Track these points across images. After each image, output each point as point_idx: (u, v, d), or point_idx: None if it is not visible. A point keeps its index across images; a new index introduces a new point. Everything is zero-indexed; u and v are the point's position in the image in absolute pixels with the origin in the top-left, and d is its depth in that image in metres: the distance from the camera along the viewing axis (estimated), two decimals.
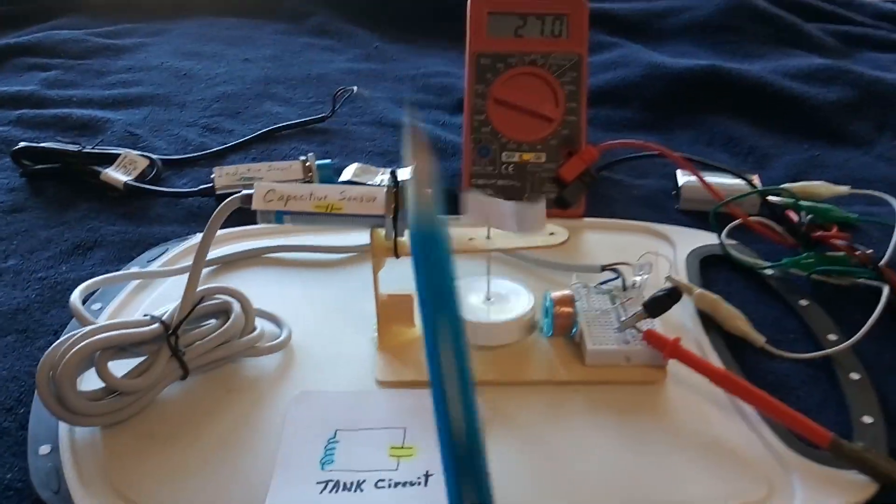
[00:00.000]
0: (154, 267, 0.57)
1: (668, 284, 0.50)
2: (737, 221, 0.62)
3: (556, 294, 0.50)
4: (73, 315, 0.46)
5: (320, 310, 0.54)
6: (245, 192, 0.45)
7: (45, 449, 0.42)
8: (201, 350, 0.46)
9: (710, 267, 0.59)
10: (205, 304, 0.47)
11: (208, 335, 0.46)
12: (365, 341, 0.50)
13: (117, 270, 0.58)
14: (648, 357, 0.47)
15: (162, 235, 0.63)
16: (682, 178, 0.67)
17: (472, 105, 0.65)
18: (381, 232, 0.46)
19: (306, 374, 0.48)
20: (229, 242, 0.61)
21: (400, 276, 0.49)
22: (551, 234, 0.49)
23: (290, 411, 0.45)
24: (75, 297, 0.47)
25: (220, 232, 0.61)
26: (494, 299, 0.50)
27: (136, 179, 0.68)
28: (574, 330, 0.49)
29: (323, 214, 0.45)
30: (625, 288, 0.52)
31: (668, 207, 0.68)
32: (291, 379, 0.48)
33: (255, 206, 0.45)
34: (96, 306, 0.53)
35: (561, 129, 0.64)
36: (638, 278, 0.51)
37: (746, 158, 0.77)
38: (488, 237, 0.48)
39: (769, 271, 0.58)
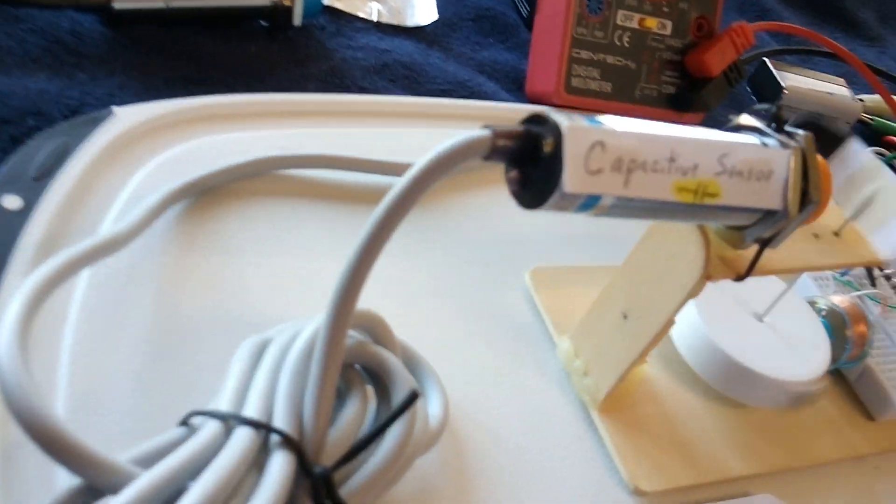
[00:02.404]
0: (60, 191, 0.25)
1: None
2: None
3: (842, 299, 0.32)
4: (61, 454, 0.16)
5: (414, 298, 0.29)
6: (516, 127, 0.18)
7: None
8: (365, 492, 0.20)
9: None
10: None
11: (370, 461, 0.20)
12: (541, 378, 0.28)
13: None
14: None
15: (21, 99, 0.29)
16: (785, 78, 0.50)
17: None
18: (715, 231, 0.23)
19: (497, 471, 0.25)
20: (182, 129, 0.30)
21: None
22: None
23: None
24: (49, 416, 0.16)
25: (147, 108, 0.30)
26: (770, 321, 0.30)
27: None
28: (857, 363, 0.32)
29: (682, 206, 0.20)
30: (872, 283, 0.35)
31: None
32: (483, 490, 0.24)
33: (570, 185, 0.18)
34: None
35: None
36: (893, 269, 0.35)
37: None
38: (837, 234, 0.27)
39: None
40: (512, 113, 0.38)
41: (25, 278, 0.19)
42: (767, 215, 0.22)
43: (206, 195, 0.28)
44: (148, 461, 0.18)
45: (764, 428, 0.29)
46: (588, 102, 0.40)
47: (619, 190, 0.19)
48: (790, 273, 0.27)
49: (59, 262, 0.20)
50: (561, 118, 0.18)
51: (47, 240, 0.24)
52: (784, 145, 0.22)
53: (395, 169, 0.32)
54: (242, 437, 0.18)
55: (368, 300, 0.26)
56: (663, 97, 0.42)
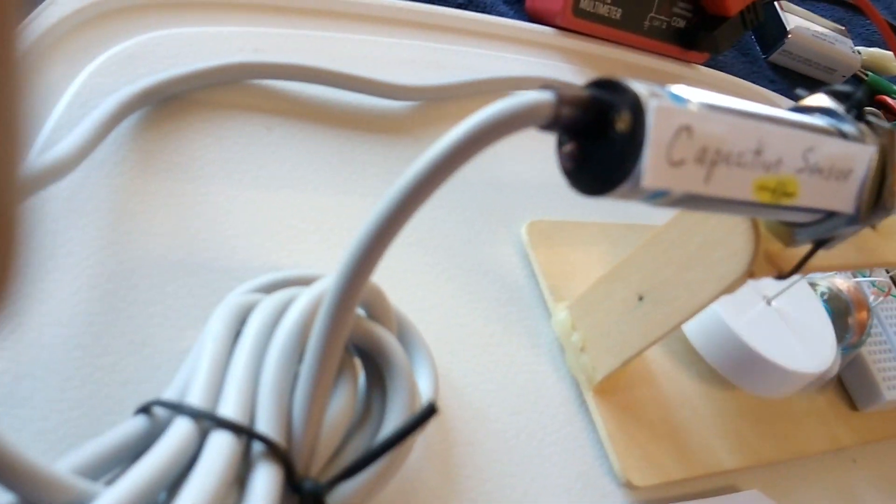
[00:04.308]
0: None
1: None
2: None
3: (845, 284, 0.30)
4: None
5: (395, 250, 0.25)
6: (582, 92, 0.14)
7: None
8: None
9: None
10: None
11: (364, 472, 0.17)
12: (532, 349, 0.25)
13: None
14: None
15: None
16: (790, 21, 0.47)
17: None
18: (765, 225, 0.21)
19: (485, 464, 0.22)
20: (139, 18, 0.25)
21: None
22: None
23: None
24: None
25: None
26: (776, 305, 0.28)
27: None
28: (852, 350, 0.31)
29: (755, 205, 0.17)
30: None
31: (753, 51, 0.48)
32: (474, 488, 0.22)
33: (650, 178, 0.15)
34: None
35: None
36: None
37: None
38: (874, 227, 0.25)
39: None
40: (519, 32, 0.34)
41: None
42: (830, 216, 0.19)
43: (167, 105, 0.23)
44: (100, 466, 0.14)
45: (754, 415, 0.28)
46: (594, 28, 0.37)
47: (699, 186, 0.16)
48: (829, 271, 0.25)
49: None
50: (641, 89, 0.15)
51: None
52: (862, 138, 0.19)
53: (392, 91, 0.27)
54: (222, 447, 0.14)
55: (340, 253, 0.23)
56: (672, 31, 0.39)
